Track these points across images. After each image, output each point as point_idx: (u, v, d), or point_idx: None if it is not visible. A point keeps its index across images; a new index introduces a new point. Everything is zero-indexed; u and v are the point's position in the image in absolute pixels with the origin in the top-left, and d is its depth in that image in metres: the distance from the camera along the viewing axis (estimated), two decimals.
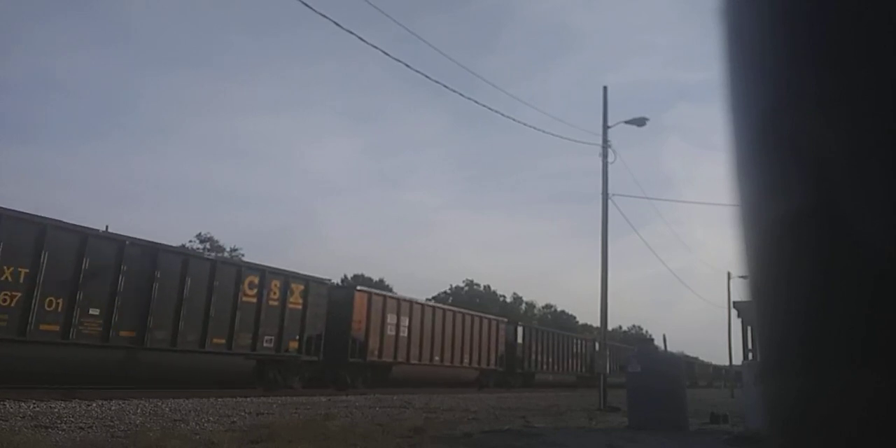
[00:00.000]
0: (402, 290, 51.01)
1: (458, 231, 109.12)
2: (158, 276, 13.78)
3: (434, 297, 56.38)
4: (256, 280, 16.05)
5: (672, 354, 13.13)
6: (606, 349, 19.38)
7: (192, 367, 14.45)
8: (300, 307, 17.22)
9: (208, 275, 14.91)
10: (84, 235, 12.56)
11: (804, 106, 0.47)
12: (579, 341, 36.36)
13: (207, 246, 49.10)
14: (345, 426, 8.80)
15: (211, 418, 9.29)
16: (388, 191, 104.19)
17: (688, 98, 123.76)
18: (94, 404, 10.15)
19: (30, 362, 11.61)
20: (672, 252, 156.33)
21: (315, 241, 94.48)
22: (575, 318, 76.66)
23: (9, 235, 11.38)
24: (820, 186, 0.45)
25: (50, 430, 7.27)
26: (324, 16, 9.69)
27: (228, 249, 50.74)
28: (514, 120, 19.46)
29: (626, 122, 19.13)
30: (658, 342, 13.72)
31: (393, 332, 20.67)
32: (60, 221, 12.28)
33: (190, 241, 48.15)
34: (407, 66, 11.91)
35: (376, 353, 19.85)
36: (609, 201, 18.28)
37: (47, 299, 11.93)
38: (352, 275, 60.04)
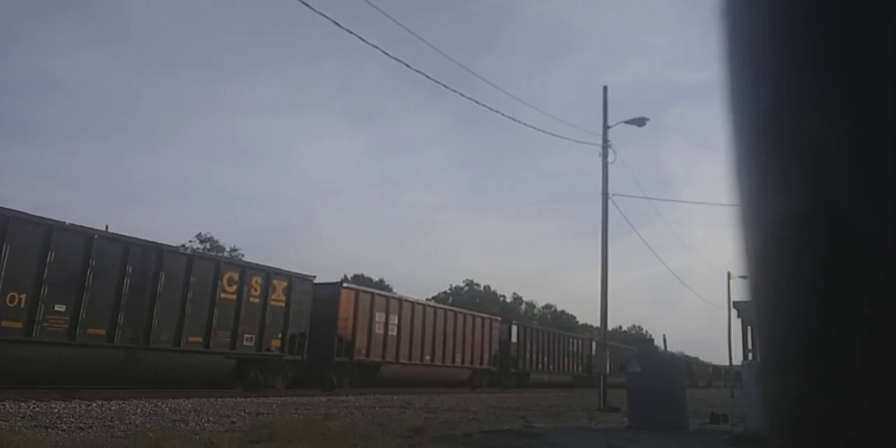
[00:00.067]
0: (402, 290, 51.09)
1: (458, 231, 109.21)
2: (130, 271, 13.23)
3: (434, 297, 56.42)
4: (236, 276, 15.49)
5: (672, 354, 13.14)
6: (606, 349, 19.37)
7: (166, 366, 13.91)
8: (283, 304, 16.69)
9: (184, 270, 14.34)
10: (49, 228, 12.07)
11: (804, 106, 0.47)
12: (576, 341, 35.94)
13: (207, 246, 49.12)
14: (345, 426, 8.80)
15: (211, 418, 9.29)
16: (388, 191, 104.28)
17: (688, 98, 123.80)
18: (94, 404, 10.15)
19: None
20: (672, 252, 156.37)
21: (315, 241, 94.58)
22: (575, 318, 76.72)
23: None
24: (820, 186, 0.45)
25: (50, 430, 7.27)
26: (324, 16, 9.70)
27: (228, 249, 50.77)
28: (514, 120, 19.46)
29: (626, 122, 19.13)
30: (658, 342, 13.72)
31: (381, 331, 20.17)
32: (22, 213, 11.81)
33: (190, 241, 48.16)
34: (407, 66, 11.92)
35: (364, 352, 19.37)
36: (609, 201, 18.29)
37: (9, 295, 11.42)
38: (352, 275, 60.06)
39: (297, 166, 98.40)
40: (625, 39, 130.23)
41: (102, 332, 12.74)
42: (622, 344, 43.68)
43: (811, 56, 0.47)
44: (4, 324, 11.41)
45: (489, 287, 72.53)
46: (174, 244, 17.14)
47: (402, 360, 20.96)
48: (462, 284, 71.74)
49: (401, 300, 21.78)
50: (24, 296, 11.65)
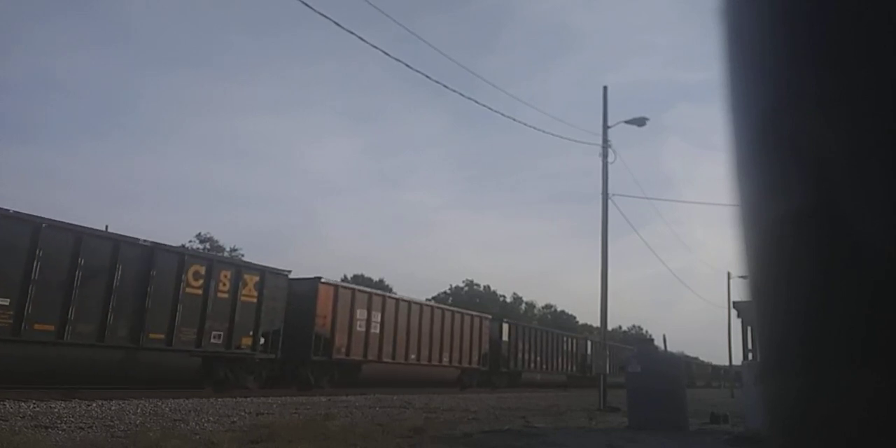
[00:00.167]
0: (402, 290, 51.11)
1: (458, 231, 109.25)
2: (83, 263, 12.36)
3: (434, 297, 56.46)
4: (203, 270, 14.69)
5: (672, 354, 13.13)
6: (606, 349, 19.37)
7: (123, 364, 13.11)
8: (254, 300, 15.88)
9: (144, 263, 13.53)
10: None
11: (804, 106, 0.47)
12: (570, 340, 35.26)
13: (207, 246, 49.14)
14: (345, 426, 8.80)
15: (211, 418, 9.29)
16: (388, 191, 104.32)
17: (688, 98, 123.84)
18: (94, 404, 10.15)
19: None
20: (672, 252, 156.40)
21: (315, 241, 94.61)
22: (575, 318, 76.75)
23: None
24: (820, 186, 0.45)
25: (50, 430, 7.27)
26: (324, 16, 9.70)
27: (228, 249, 50.80)
28: (514, 120, 19.48)
29: (626, 122, 19.13)
30: (658, 342, 13.72)
31: (363, 329, 19.45)
32: None
33: (190, 241, 48.19)
34: (407, 66, 11.92)
35: (343, 350, 18.63)
36: (609, 201, 18.29)
37: None
38: (352, 275, 60.12)
39: (297, 166, 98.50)
40: (625, 39, 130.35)
41: (51, 327, 11.96)
42: (621, 344, 43.57)
43: (811, 56, 0.47)
44: None
45: (489, 287, 72.64)
46: (174, 244, 17.07)
47: (385, 359, 20.24)
48: (462, 284, 71.84)
49: (384, 297, 21.09)
50: None
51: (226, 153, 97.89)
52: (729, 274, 36.25)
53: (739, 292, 31.05)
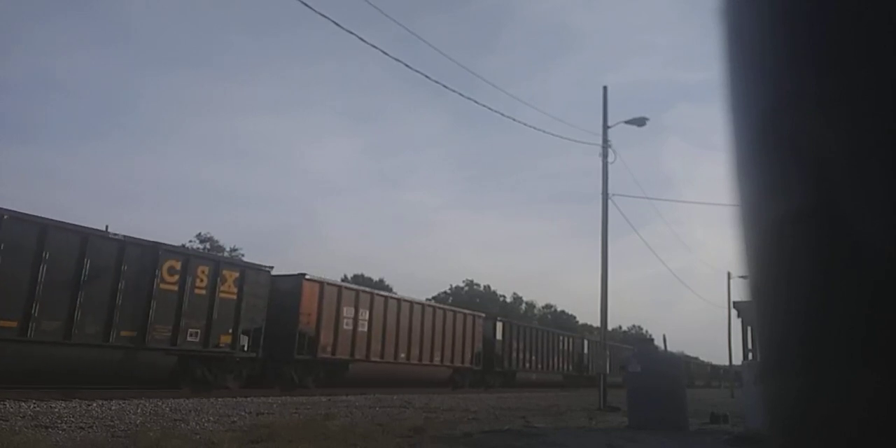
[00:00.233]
0: (402, 290, 51.10)
1: (458, 231, 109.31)
2: (47, 256, 11.82)
3: (434, 297, 56.45)
4: (178, 265, 14.09)
5: (672, 354, 13.13)
6: (606, 349, 19.37)
7: (92, 363, 12.54)
8: (234, 297, 15.26)
9: (115, 257, 12.92)
10: None
11: (804, 106, 0.47)
12: (566, 339, 34.53)
13: (208, 246, 49.15)
14: (345, 426, 8.80)
15: (211, 418, 9.29)
16: (388, 191, 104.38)
17: (688, 98, 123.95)
18: (95, 404, 10.16)
19: None
20: (672, 252, 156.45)
21: (315, 241, 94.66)
22: (575, 318, 76.74)
23: None
24: (820, 186, 0.45)
25: (50, 429, 7.27)
26: (324, 16, 9.70)
27: (228, 249, 50.79)
28: (514, 120, 19.49)
29: (626, 122, 19.13)
30: (658, 342, 13.72)
31: (350, 327, 18.81)
32: None
33: (190, 241, 48.21)
34: (407, 66, 11.92)
35: (329, 349, 18.03)
36: (609, 201, 18.30)
37: None
38: (352, 275, 60.12)
39: (297, 166, 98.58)
40: (625, 39, 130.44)
41: (14, 324, 11.44)
42: (620, 343, 43.45)
43: (811, 56, 0.47)
44: None
45: (489, 287, 72.64)
46: (175, 244, 16.96)
47: (373, 358, 19.63)
48: (462, 284, 71.85)
49: (372, 294, 20.49)
50: None
51: (226, 153, 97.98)
52: (729, 274, 36.27)
53: (739, 292, 31.04)
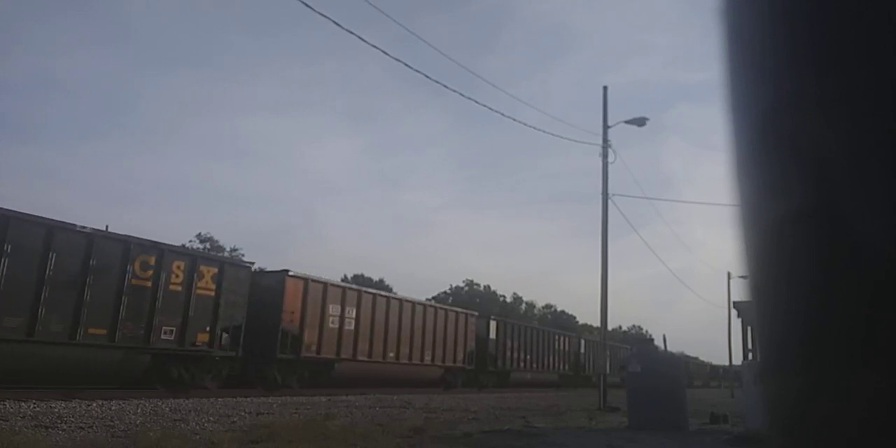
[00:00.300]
0: (402, 290, 51.09)
1: (458, 231, 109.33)
2: (9, 250, 11.34)
3: (434, 297, 56.43)
4: (152, 260, 13.54)
5: (672, 354, 13.14)
6: (607, 349, 19.38)
7: (58, 361, 11.99)
8: (212, 293, 14.69)
9: (83, 251, 12.36)
10: None
11: (804, 106, 0.47)
12: (562, 338, 34.03)
13: (208, 246, 49.15)
14: (345, 426, 8.80)
15: (211, 418, 9.29)
16: (388, 191, 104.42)
17: (688, 98, 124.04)
18: (95, 404, 10.16)
19: None
20: (672, 252, 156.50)
21: (315, 241, 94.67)
22: (575, 318, 76.72)
23: None
24: (820, 186, 0.45)
25: (50, 430, 7.27)
26: (324, 16, 9.70)
27: (228, 249, 50.80)
28: (514, 120, 19.51)
29: (626, 122, 19.14)
30: (658, 342, 13.72)
31: (336, 325, 18.27)
32: None
33: (190, 241, 48.21)
34: (407, 66, 11.93)
35: (314, 348, 17.47)
36: (609, 201, 18.30)
37: None
38: (352, 275, 60.12)
39: (297, 166, 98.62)
40: (625, 39, 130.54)
41: None
42: (619, 343, 43.33)
43: (811, 56, 0.47)
44: None
45: (489, 287, 72.63)
46: (175, 244, 16.75)
47: (360, 358, 19.06)
48: (462, 284, 71.84)
49: (359, 292, 19.88)
50: None
51: (226, 153, 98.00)
52: (729, 274, 36.27)
53: (739, 292, 30.99)
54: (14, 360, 11.46)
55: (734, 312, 27.55)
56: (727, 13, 0.54)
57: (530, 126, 21.52)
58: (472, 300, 62.41)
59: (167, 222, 77.24)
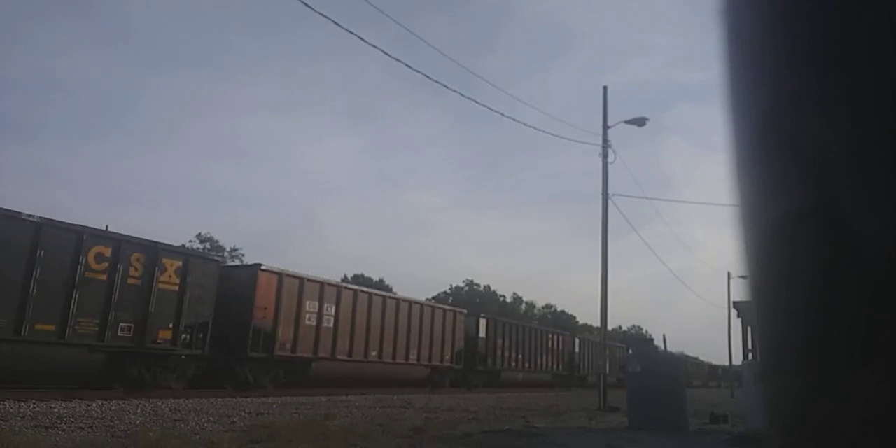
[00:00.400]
0: (402, 290, 51.11)
1: (458, 231, 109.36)
2: None
3: (434, 297, 56.44)
4: (108, 252, 12.68)
5: (672, 354, 13.13)
6: (606, 349, 19.38)
7: (2, 359, 11.26)
8: (176, 288, 13.90)
9: (29, 241, 11.53)
10: None
11: (804, 106, 0.47)
12: (556, 337, 33.19)
13: (208, 246, 49.15)
14: (345, 426, 8.80)
15: (211, 418, 9.29)
16: (388, 191, 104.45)
17: (688, 98, 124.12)
18: (95, 404, 10.16)
19: None
20: (672, 252, 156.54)
21: (315, 241, 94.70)
22: (575, 318, 76.72)
23: None
24: (820, 186, 0.45)
25: (50, 430, 7.27)
26: (324, 16, 9.70)
27: (228, 249, 50.84)
28: (514, 120, 19.56)
29: (626, 122, 19.15)
30: (658, 342, 13.72)
31: (313, 322, 17.42)
32: None
33: (190, 241, 48.22)
34: (407, 66, 11.93)
35: (289, 346, 16.67)
36: (609, 201, 18.30)
37: None
38: (352, 275, 60.10)
39: (297, 166, 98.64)
40: (625, 39, 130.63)
41: None
42: (616, 343, 43.16)
43: (811, 56, 0.47)
44: None
45: (489, 287, 72.62)
46: (175, 244, 16.54)
47: (339, 356, 18.23)
48: (462, 284, 71.83)
49: (339, 288, 18.96)
50: None
51: (226, 153, 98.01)
52: (729, 274, 36.29)
53: (739, 292, 30.96)
54: None
55: (734, 312, 27.57)
56: (727, 13, 0.54)
57: (530, 126, 21.55)
58: (472, 300, 62.41)
59: (167, 222, 77.31)
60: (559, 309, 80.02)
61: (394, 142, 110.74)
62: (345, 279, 56.22)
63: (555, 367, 32.15)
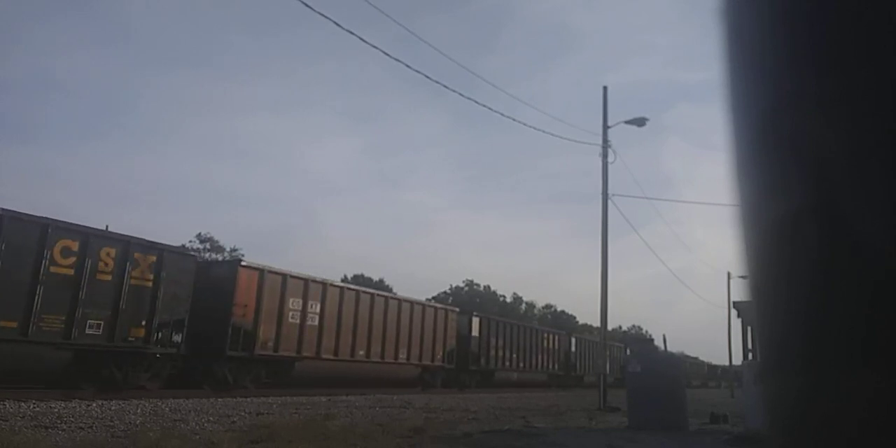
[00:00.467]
0: (402, 290, 51.10)
1: (458, 231, 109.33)
2: None
3: (434, 297, 56.40)
4: (75, 246, 12.17)
5: (672, 354, 13.14)
6: (606, 349, 19.38)
7: None
8: (149, 284, 13.42)
9: None
10: None
11: (804, 106, 0.47)
12: (552, 336, 32.58)
13: (208, 246, 49.16)
14: (345, 426, 8.80)
15: (211, 418, 9.29)
16: (388, 191, 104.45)
17: (688, 98, 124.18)
18: (94, 404, 10.16)
19: None
20: (672, 252, 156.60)
21: (315, 241, 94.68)
22: (575, 318, 76.71)
23: None
24: (820, 186, 0.45)
25: (50, 430, 7.28)
26: (324, 16, 9.70)
27: (228, 249, 50.80)
28: (514, 120, 19.58)
29: (626, 122, 19.15)
30: (658, 342, 13.73)
31: (297, 320, 16.86)
32: None
33: (190, 241, 48.18)
34: (407, 66, 11.94)
35: (270, 345, 16.09)
36: (609, 201, 18.30)
37: None
38: (352, 275, 60.09)
39: (297, 166, 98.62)
40: (625, 39, 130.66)
41: None
42: (615, 342, 43.06)
43: (811, 56, 0.47)
44: None
45: (489, 287, 72.60)
46: (175, 244, 16.48)
47: (324, 356, 17.66)
48: (462, 284, 71.79)
49: (324, 284, 18.14)
50: None
51: (226, 153, 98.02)
52: (729, 274, 36.28)
53: (739, 292, 30.92)
54: None
55: (734, 312, 27.57)
56: (727, 13, 0.54)
57: (530, 126, 21.58)
58: (472, 300, 62.41)
59: (167, 222, 77.29)
60: (559, 309, 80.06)
61: (394, 142, 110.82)
62: (345, 279, 56.17)
63: (550, 366, 31.68)
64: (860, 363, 0.42)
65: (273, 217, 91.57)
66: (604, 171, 18.41)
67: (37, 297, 11.57)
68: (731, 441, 8.95)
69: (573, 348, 34.70)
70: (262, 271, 16.21)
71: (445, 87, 13.61)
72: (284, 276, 16.82)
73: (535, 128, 21.07)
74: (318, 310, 17.64)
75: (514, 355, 27.93)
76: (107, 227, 13.55)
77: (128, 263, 13.06)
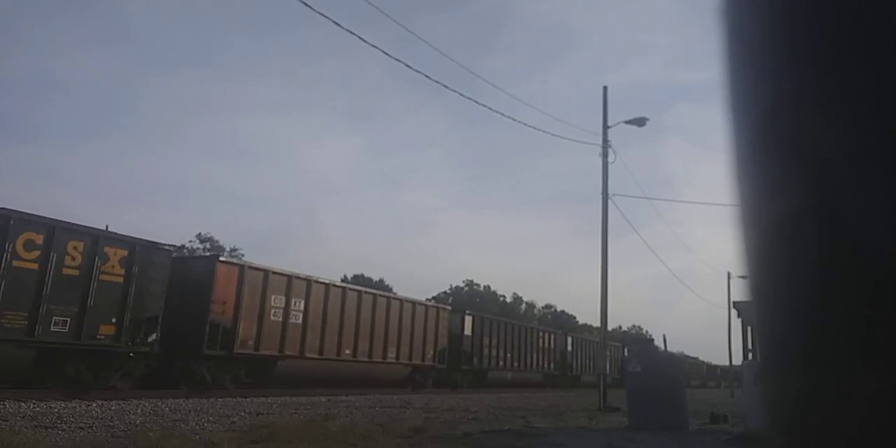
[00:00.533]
0: (402, 290, 51.10)
1: (458, 231, 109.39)
2: None
3: (434, 297, 56.39)
4: (40, 239, 11.63)
5: (672, 354, 13.13)
6: (606, 349, 19.37)
7: None
8: (120, 279, 12.84)
9: None
10: None
11: (804, 106, 0.47)
12: (547, 335, 32.10)
13: (208, 246, 49.15)
14: (345, 426, 8.80)
15: (211, 418, 9.29)
16: (388, 191, 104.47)
17: (688, 98, 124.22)
18: (94, 404, 10.16)
19: None
20: (672, 252, 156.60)
21: (315, 241, 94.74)
22: (575, 318, 76.72)
23: None
24: (820, 186, 0.45)
25: (50, 430, 7.27)
26: (324, 16, 9.70)
27: (228, 249, 50.80)
28: (514, 120, 19.55)
29: (626, 122, 19.15)
30: (658, 342, 13.72)
31: (279, 318, 16.30)
32: None
33: (190, 241, 48.21)
34: (407, 66, 11.93)
35: (251, 343, 15.54)
36: (609, 201, 18.30)
37: None
38: (352, 275, 60.10)
39: (297, 166, 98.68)
40: (625, 39, 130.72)
41: None
42: (613, 342, 42.96)
43: (811, 56, 0.47)
44: None
45: (489, 287, 72.62)
46: (176, 244, 16.48)
47: (308, 355, 17.12)
48: (462, 284, 71.81)
49: (308, 281, 17.49)
50: None
51: (226, 153, 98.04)
52: (729, 274, 36.25)
53: (739, 292, 30.89)
54: None
55: (734, 312, 27.56)
56: (727, 13, 0.54)
57: (530, 126, 21.55)
58: (472, 300, 62.42)
59: (167, 222, 77.32)
60: (559, 309, 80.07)
61: (394, 142, 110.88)
62: (345, 279, 56.12)
63: (546, 366, 31.16)
64: (860, 363, 0.42)
65: (273, 217, 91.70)
66: (604, 171, 18.42)
67: None
68: (731, 441, 8.95)
69: (570, 348, 34.32)
70: (242, 267, 15.77)
71: (445, 87, 13.61)
72: (266, 273, 16.25)
73: (535, 128, 21.08)
74: (301, 307, 17.09)
75: (509, 355, 27.45)
76: (107, 227, 13.54)
77: (97, 257, 12.52)
